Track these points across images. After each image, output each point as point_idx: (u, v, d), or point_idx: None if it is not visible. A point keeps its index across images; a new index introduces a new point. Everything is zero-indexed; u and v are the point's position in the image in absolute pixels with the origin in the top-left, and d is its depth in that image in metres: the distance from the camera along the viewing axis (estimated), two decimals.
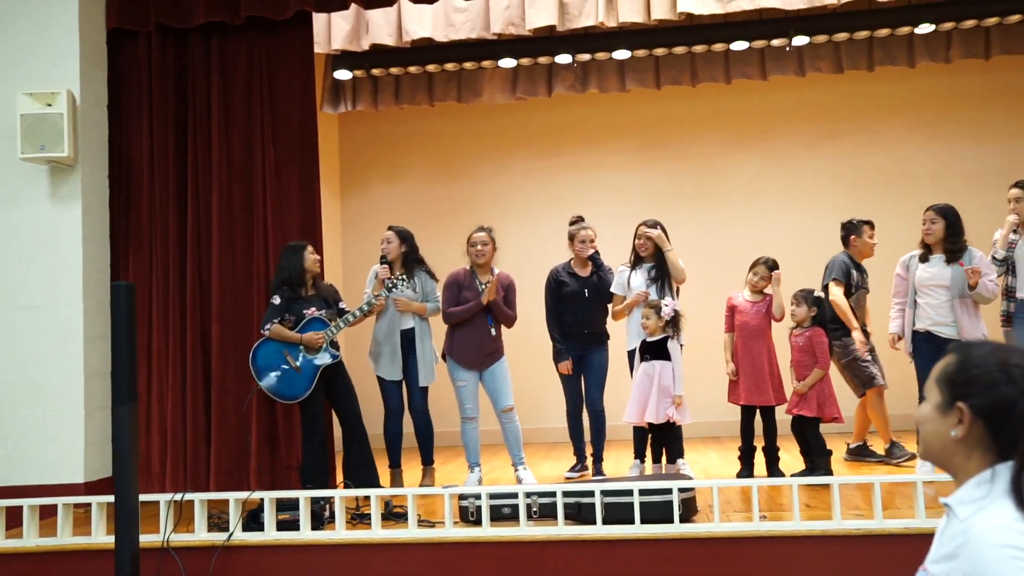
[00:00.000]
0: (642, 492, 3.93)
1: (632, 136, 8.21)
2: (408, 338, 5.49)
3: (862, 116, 7.99)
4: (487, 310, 5.31)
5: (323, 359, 5.03)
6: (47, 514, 4.70)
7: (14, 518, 4.42)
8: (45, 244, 5.46)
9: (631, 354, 5.43)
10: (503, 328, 5.41)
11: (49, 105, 5.31)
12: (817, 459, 5.00)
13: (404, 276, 5.24)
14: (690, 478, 4.33)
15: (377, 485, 5.12)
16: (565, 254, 5.70)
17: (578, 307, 5.37)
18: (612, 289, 5.50)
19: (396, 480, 5.52)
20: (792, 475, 4.98)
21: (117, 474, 3.78)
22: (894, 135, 7.94)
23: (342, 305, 5.28)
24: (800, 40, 7.10)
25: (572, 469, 5.53)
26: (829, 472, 4.95)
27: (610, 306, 5.55)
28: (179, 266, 5.69)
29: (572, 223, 5.60)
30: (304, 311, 5.08)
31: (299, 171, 5.71)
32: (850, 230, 5.75)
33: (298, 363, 5.01)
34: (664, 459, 5.25)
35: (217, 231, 5.64)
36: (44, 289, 5.44)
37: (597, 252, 5.42)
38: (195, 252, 5.68)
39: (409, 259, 5.56)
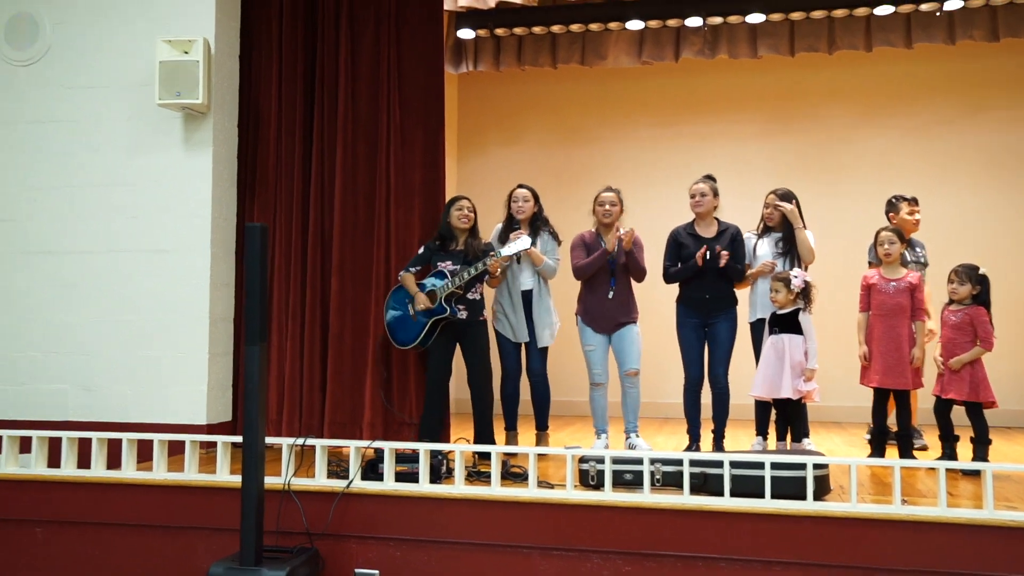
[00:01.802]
0: (773, 466, 3.79)
1: (760, 106, 7.95)
2: (527, 299, 5.49)
3: (1016, 88, 7.52)
4: (611, 272, 5.26)
5: (435, 311, 5.14)
6: (173, 451, 4.85)
7: (142, 452, 4.56)
8: (176, 190, 5.61)
9: (754, 326, 5.29)
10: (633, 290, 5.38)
11: (186, 53, 5.42)
12: (978, 446, 4.75)
13: (525, 244, 5.17)
14: (822, 455, 4.16)
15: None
16: (682, 217, 5.54)
17: (700, 271, 5.22)
18: None
19: (511, 443, 5.49)
20: (936, 459, 4.75)
21: (247, 412, 3.84)
22: None
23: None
24: (953, 4, 6.70)
25: (687, 449, 5.39)
26: (986, 460, 4.70)
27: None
28: (302, 217, 5.77)
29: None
30: (440, 264, 5.21)
31: (424, 132, 5.72)
32: (889, 207, 5.95)
33: (414, 312, 5.19)
34: (788, 437, 5.08)
35: (340, 185, 5.69)
36: (174, 234, 5.59)
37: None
38: (317, 204, 5.74)
39: (537, 219, 5.56)
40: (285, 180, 5.79)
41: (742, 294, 5.44)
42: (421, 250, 5.31)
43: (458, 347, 5.28)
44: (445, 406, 5.25)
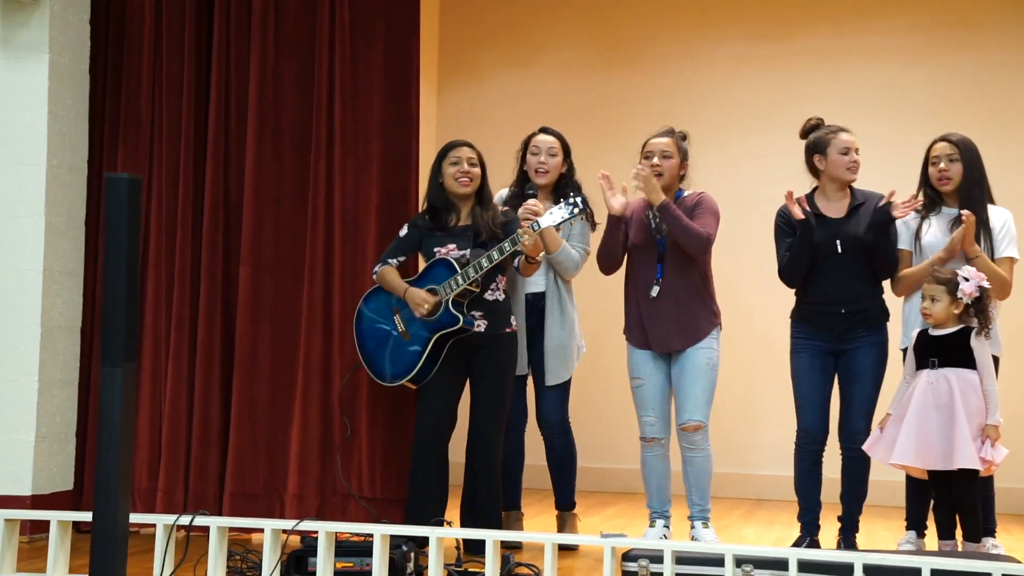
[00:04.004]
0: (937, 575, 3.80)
1: (913, 9, 7.96)
2: (534, 308, 5.52)
3: None
4: (658, 255, 5.27)
5: (441, 322, 5.11)
6: None
7: None
8: None
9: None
10: (705, 280, 5.35)
11: None
12: None
13: (577, 201, 5.12)
14: (1018, 562, 4.16)
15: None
16: (796, 187, 5.53)
17: (828, 269, 5.22)
18: (901, 244, 5.33)
19: (512, 526, 5.52)
20: None
21: (101, 475, 3.82)
22: None
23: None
24: None
25: (797, 543, 5.42)
26: None
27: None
28: (194, 173, 5.80)
29: (812, 127, 5.43)
30: (437, 248, 5.21)
31: (386, 43, 5.75)
32: None
33: (405, 326, 5.19)
34: (959, 533, 5.08)
35: (255, 123, 5.72)
36: None
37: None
38: (219, 153, 5.77)
39: (565, 184, 5.59)
40: (168, 113, 5.81)
41: (898, 304, 5.41)
42: (404, 231, 5.31)
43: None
44: (442, 472, 5.24)
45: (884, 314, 5.28)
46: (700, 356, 5.27)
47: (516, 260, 5.21)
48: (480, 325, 5.15)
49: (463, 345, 5.16)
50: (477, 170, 5.29)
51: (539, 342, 5.51)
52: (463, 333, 5.12)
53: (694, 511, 5.32)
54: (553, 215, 5.07)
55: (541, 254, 5.20)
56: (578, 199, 5.09)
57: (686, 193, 5.39)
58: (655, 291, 5.28)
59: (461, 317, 5.08)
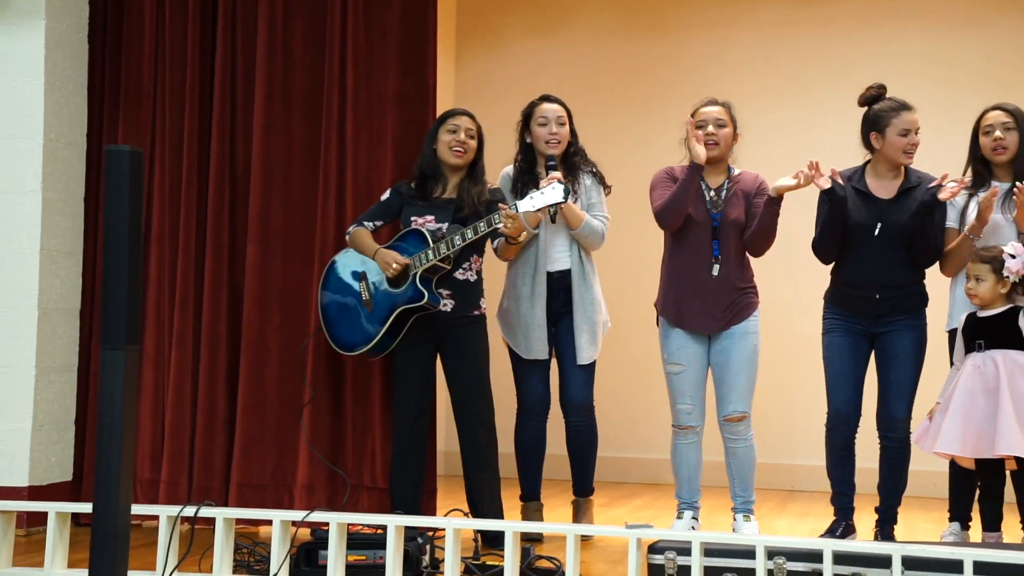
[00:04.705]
0: (980, 569, 3.77)
1: None
2: (560, 287, 5.53)
3: None
4: (713, 231, 5.30)
5: (405, 296, 5.16)
6: None
7: None
8: None
9: (955, 336, 5.27)
10: (750, 261, 5.42)
11: None
12: None
13: (564, 188, 5.14)
14: None
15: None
16: (840, 161, 5.52)
17: (867, 251, 5.22)
18: (948, 222, 5.31)
19: (531, 518, 5.56)
20: None
21: (101, 465, 3.86)
22: None
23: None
24: None
25: (829, 531, 5.44)
26: None
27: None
28: (199, 143, 5.82)
29: (873, 96, 5.40)
30: (414, 218, 5.26)
31: (403, 8, 5.76)
32: None
33: (369, 294, 5.25)
34: (1021, 522, 5.09)
35: (263, 94, 5.73)
36: None
37: None
38: (224, 125, 5.80)
39: (573, 153, 5.62)
40: (171, 83, 5.83)
41: (940, 288, 5.41)
42: (386, 195, 5.40)
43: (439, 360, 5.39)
44: (422, 456, 5.32)
45: (922, 300, 5.28)
46: (747, 343, 5.32)
47: (495, 241, 5.25)
48: (447, 304, 5.21)
49: (428, 323, 5.22)
50: (473, 142, 5.35)
51: (567, 321, 5.51)
52: (427, 310, 5.16)
53: (737, 503, 5.38)
54: (534, 200, 5.07)
55: (523, 235, 5.22)
56: (557, 196, 5.04)
57: (737, 171, 5.40)
58: (716, 269, 5.31)
59: (426, 293, 5.13)
